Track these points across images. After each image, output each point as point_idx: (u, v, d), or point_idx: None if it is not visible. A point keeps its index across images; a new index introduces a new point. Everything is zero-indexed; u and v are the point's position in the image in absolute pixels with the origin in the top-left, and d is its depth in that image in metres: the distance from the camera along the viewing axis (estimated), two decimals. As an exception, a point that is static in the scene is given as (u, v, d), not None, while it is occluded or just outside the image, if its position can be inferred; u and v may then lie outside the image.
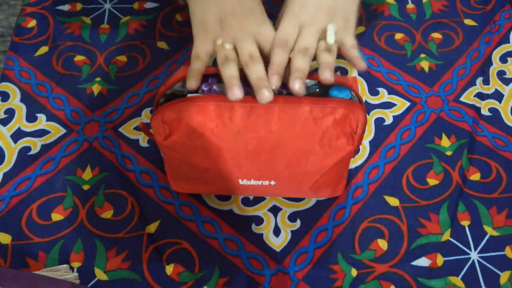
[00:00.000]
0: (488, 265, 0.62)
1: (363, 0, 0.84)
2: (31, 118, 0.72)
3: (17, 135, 0.71)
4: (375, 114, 0.73)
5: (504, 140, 0.71)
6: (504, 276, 0.61)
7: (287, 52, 0.53)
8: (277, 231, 0.64)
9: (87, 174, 0.68)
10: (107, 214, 0.65)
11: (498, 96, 0.75)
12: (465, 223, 0.65)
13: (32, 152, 0.69)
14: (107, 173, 0.68)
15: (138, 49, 0.79)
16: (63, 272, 0.60)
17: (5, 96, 0.74)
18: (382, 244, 0.63)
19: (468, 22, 0.82)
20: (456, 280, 0.61)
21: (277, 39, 0.53)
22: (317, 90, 0.58)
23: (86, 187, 0.67)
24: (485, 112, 0.73)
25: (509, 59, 0.78)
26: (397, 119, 0.73)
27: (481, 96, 0.75)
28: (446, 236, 0.64)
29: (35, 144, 0.70)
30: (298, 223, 0.65)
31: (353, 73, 0.77)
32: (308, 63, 0.53)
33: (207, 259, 0.62)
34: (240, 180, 0.58)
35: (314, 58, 0.55)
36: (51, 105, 0.73)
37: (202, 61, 0.54)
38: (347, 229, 0.64)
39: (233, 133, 0.54)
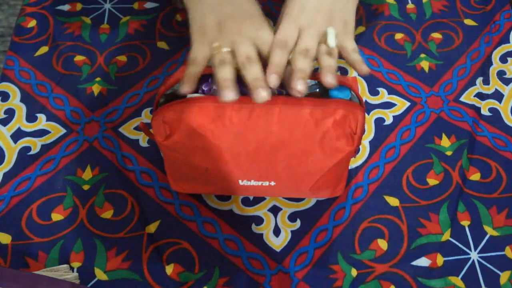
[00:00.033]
0: (488, 265, 0.62)
1: (363, 0, 0.84)
2: (31, 118, 0.72)
3: (17, 135, 0.71)
4: (375, 114, 0.73)
5: (504, 140, 0.71)
6: (504, 276, 0.61)
7: (286, 52, 0.53)
8: (277, 231, 0.64)
9: (87, 174, 0.68)
10: (107, 214, 0.65)
11: (498, 96, 0.75)
12: (465, 223, 0.65)
13: (32, 152, 0.69)
14: (107, 173, 0.68)
15: (138, 49, 0.79)
16: (63, 272, 0.60)
17: (5, 96, 0.74)
18: (382, 244, 0.63)
19: (468, 22, 0.82)
20: (456, 280, 0.61)
21: (276, 40, 0.53)
22: (317, 90, 0.58)
23: (86, 187, 0.67)
24: (485, 112, 0.73)
25: (509, 59, 0.78)
26: (397, 119, 0.73)
27: (481, 96, 0.75)
28: (446, 236, 0.64)
29: (35, 144, 0.70)
30: (298, 223, 0.65)
31: (353, 73, 0.77)
32: (309, 64, 0.53)
33: (207, 259, 0.62)
34: (240, 181, 0.58)
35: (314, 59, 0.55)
36: (51, 105, 0.73)
37: (198, 66, 0.54)
38: (347, 229, 0.64)
39: (233, 133, 0.54)
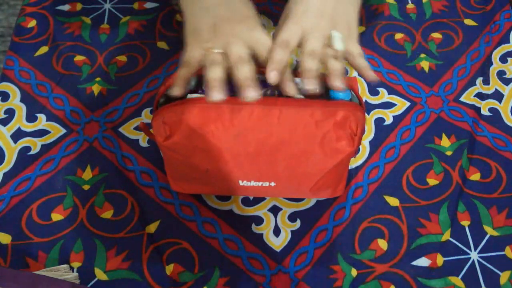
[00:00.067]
0: (488, 265, 0.62)
1: (363, 1, 0.84)
2: (31, 118, 0.72)
3: (17, 135, 0.71)
4: (375, 114, 0.73)
5: (504, 140, 0.71)
6: (504, 276, 0.61)
7: (287, 52, 0.53)
8: (277, 231, 0.64)
9: (87, 174, 0.68)
10: (107, 214, 0.65)
11: (498, 96, 0.75)
12: (465, 223, 0.65)
13: (32, 152, 0.69)
14: (107, 173, 0.68)
15: (138, 49, 0.79)
16: (63, 272, 0.60)
17: (5, 96, 0.74)
18: (382, 244, 0.63)
19: (468, 22, 0.82)
20: (456, 280, 0.61)
21: (278, 40, 0.53)
22: (317, 90, 0.58)
23: (86, 187, 0.67)
24: (485, 112, 0.73)
25: (509, 59, 0.78)
26: (397, 119, 0.73)
27: (481, 96, 0.75)
28: (446, 236, 0.64)
29: (35, 144, 0.70)
30: (298, 223, 0.65)
31: (353, 73, 0.77)
32: (317, 65, 0.52)
33: (207, 259, 0.62)
34: (240, 181, 0.58)
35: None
36: (51, 105, 0.73)
37: (190, 68, 0.54)
38: (347, 229, 0.64)
39: (234, 134, 0.54)
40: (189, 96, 0.55)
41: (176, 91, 0.54)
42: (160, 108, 0.55)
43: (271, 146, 0.55)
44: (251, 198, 0.67)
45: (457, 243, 0.63)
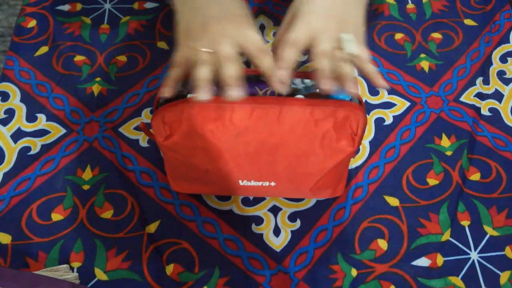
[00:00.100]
0: (488, 265, 0.62)
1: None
2: (31, 118, 0.72)
3: (17, 135, 0.71)
4: (375, 114, 0.73)
5: (504, 140, 0.71)
6: (504, 276, 0.61)
7: (297, 52, 0.52)
8: (277, 231, 0.64)
9: (87, 174, 0.68)
10: (107, 214, 0.65)
11: (498, 96, 0.75)
12: (465, 223, 0.65)
13: (32, 152, 0.69)
14: (107, 173, 0.68)
15: (138, 49, 0.79)
16: (63, 272, 0.60)
17: (5, 96, 0.74)
18: (382, 244, 0.63)
19: (468, 22, 0.82)
20: (456, 280, 0.61)
21: (288, 39, 0.52)
22: (317, 90, 0.58)
23: (86, 187, 0.67)
24: (485, 112, 0.73)
25: (509, 59, 0.78)
26: (397, 119, 0.73)
27: (481, 96, 0.75)
28: (446, 236, 0.64)
29: (35, 144, 0.70)
30: (298, 223, 0.65)
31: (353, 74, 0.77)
32: (330, 65, 0.52)
33: (207, 259, 0.62)
34: (240, 181, 0.58)
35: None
36: (51, 105, 0.73)
37: (181, 68, 0.53)
38: (347, 229, 0.64)
39: (234, 134, 0.54)
40: (189, 96, 0.55)
41: (166, 92, 0.54)
42: (160, 108, 0.55)
43: (271, 146, 0.55)
44: (251, 198, 0.67)
45: (457, 243, 0.63)
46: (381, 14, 0.83)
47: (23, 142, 0.70)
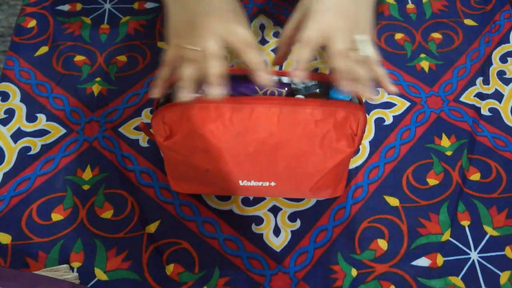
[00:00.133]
0: (488, 265, 0.62)
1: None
2: (31, 118, 0.72)
3: (17, 135, 0.71)
4: (375, 114, 0.73)
5: (504, 140, 0.71)
6: (504, 276, 0.61)
7: (310, 51, 0.52)
8: (277, 231, 0.64)
9: (87, 174, 0.68)
10: (107, 214, 0.65)
11: (498, 96, 0.75)
12: (465, 223, 0.65)
13: (32, 152, 0.69)
14: (107, 173, 0.68)
15: (138, 49, 0.79)
16: (63, 272, 0.60)
17: (5, 96, 0.74)
18: (382, 244, 0.63)
19: (468, 22, 0.82)
20: (456, 280, 0.61)
21: (301, 38, 0.52)
22: (317, 90, 0.58)
23: (86, 187, 0.67)
24: (485, 112, 0.73)
25: (509, 59, 0.78)
26: (397, 119, 0.73)
27: (481, 96, 0.75)
28: (446, 236, 0.64)
29: (35, 144, 0.70)
30: (298, 223, 0.65)
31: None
32: (350, 65, 0.51)
33: (207, 259, 0.62)
34: (240, 181, 0.58)
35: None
36: (51, 105, 0.73)
37: (170, 68, 0.53)
38: (347, 229, 0.64)
39: (234, 134, 0.54)
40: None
41: (156, 93, 0.53)
42: (160, 108, 0.55)
43: (271, 146, 0.55)
44: (251, 198, 0.67)
45: (457, 243, 0.63)
46: (381, 14, 0.83)
47: (23, 142, 0.70)
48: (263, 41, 0.79)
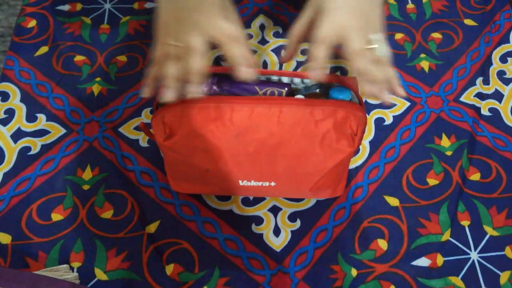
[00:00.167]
0: (488, 265, 0.62)
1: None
2: (31, 118, 0.72)
3: (17, 135, 0.71)
4: (375, 114, 0.73)
5: (504, 140, 0.71)
6: (504, 276, 0.61)
7: (326, 49, 0.51)
8: (277, 231, 0.64)
9: (87, 174, 0.68)
10: (107, 214, 0.65)
11: (498, 96, 0.75)
12: (465, 223, 0.65)
13: (32, 152, 0.69)
14: (107, 173, 0.68)
15: (138, 49, 0.79)
16: (63, 272, 0.60)
17: (5, 96, 0.74)
18: (382, 244, 0.63)
19: (468, 22, 0.82)
20: (456, 280, 0.61)
21: (316, 37, 0.51)
22: (317, 90, 0.58)
23: (86, 187, 0.67)
24: (485, 112, 0.73)
25: (509, 59, 0.78)
26: (397, 119, 0.73)
27: (481, 96, 0.75)
28: (446, 236, 0.64)
29: (35, 144, 0.70)
30: (298, 223, 0.65)
31: (353, 73, 0.77)
32: (369, 65, 0.51)
33: (207, 259, 0.62)
34: (240, 181, 0.58)
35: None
36: (51, 105, 0.73)
37: (156, 66, 0.52)
38: (347, 229, 0.64)
39: (234, 134, 0.54)
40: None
41: (146, 92, 0.52)
42: (160, 108, 0.55)
43: (271, 146, 0.54)
44: (251, 198, 0.67)
45: (457, 243, 0.63)
46: (381, 14, 0.83)
47: (23, 142, 0.70)
48: (263, 41, 0.79)
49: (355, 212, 0.65)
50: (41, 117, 0.72)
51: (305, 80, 0.58)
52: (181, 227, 0.64)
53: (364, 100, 0.74)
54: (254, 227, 0.65)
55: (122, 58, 0.78)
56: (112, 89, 0.75)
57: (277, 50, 0.78)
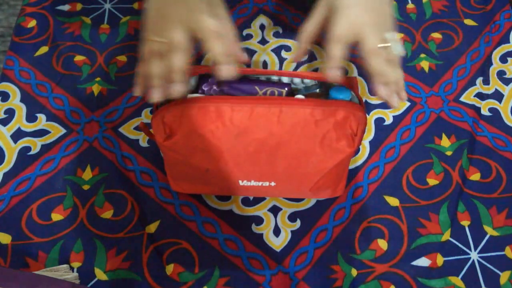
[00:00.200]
0: (488, 265, 0.62)
1: None
2: (31, 118, 0.72)
3: (17, 135, 0.71)
4: (375, 114, 0.73)
5: (504, 140, 0.71)
6: (504, 276, 0.61)
7: (343, 47, 0.51)
8: (277, 231, 0.64)
9: (87, 174, 0.68)
10: (107, 214, 0.65)
11: (498, 96, 0.75)
12: (465, 223, 0.65)
13: (32, 152, 0.69)
14: (107, 173, 0.68)
15: (138, 49, 0.79)
16: (63, 272, 0.60)
17: (5, 96, 0.74)
18: (382, 244, 0.63)
19: (468, 22, 0.82)
20: (456, 280, 0.61)
21: (332, 35, 0.51)
22: (317, 90, 0.58)
23: (86, 187, 0.67)
24: (485, 112, 0.73)
25: (509, 59, 0.78)
26: (397, 119, 0.73)
27: (481, 96, 0.75)
28: (446, 236, 0.64)
29: (35, 144, 0.70)
30: (298, 223, 0.65)
31: (353, 73, 0.77)
32: (386, 65, 0.50)
33: (207, 259, 0.62)
34: (240, 181, 0.58)
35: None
36: (51, 105, 0.73)
37: (145, 64, 0.52)
38: (347, 229, 0.64)
39: (234, 134, 0.54)
40: (189, 96, 0.55)
41: (136, 91, 0.52)
42: (160, 108, 0.55)
43: (271, 146, 0.54)
44: (251, 198, 0.67)
45: (457, 243, 0.63)
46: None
47: (23, 142, 0.70)
48: (263, 41, 0.79)
49: (355, 212, 0.65)
50: (41, 117, 0.72)
51: (305, 80, 0.58)
52: (181, 227, 0.64)
53: (364, 100, 0.74)
54: (254, 227, 0.65)
55: (122, 58, 0.78)
56: (112, 89, 0.75)
57: (277, 50, 0.78)
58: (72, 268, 0.62)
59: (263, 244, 0.63)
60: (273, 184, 0.59)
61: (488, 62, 0.78)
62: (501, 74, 0.77)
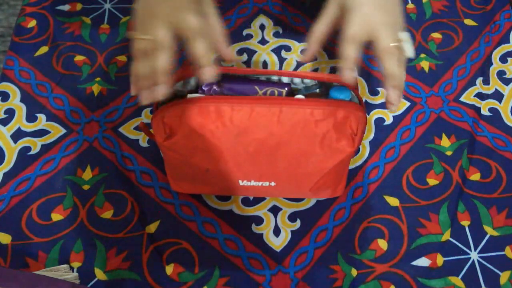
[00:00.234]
0: (488, 265, 0.62)
1: None
2: (31, 118, 0.72)
3: (17, 135, 0.71)
4: (375, 114, 0.73)
5: (504, 140, 0.71)
6: (504, 276, 0.61)
7: (357, 47, 0.50)
8: (277, 231, 0.64)
9: (87, 174, 0.68)
10: (107, 214, 0.65)
11: (498, 96, 0.75)
12: (465, 223, 0.65)
13: (32, 152, 0.69)
14: (107, 173, 0.68)
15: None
16: (63, 272, 0.60)
17: (5, 96, 0.74)
18: (382, 244, 0.63)
19: (468, 22, 0.82)
20: (456, 280, 0.61)
21: (346, 35, 0.51)
22: (317, 90, 0.58)
23: (86, 187, 0.67)
24: (485, 112, 0.73)
25: (509, 59, 0.78)
26: (397, 119, 0.73)
27: (481, 96, 0.75)
28: (446, 236, 0.64)
29: (35, 144, 0.70)
30: (298, 223, 0.65)
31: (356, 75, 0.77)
32: (399, 67, 0.50)
33: (207, 259, 0.62)
34: (240, 181, 0.58)
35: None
36: (51, 105, 0.73)
37: (134, 63, 0.50)
38: (347, 229, 0.64)
39: (234, 134, 0.54)
40: (189, 96, 0.55)
41: (133, 91, 0.51)
42: (160, 108, 0.55)
43: (271, 146, 0.55)
44: (251, 198, 0.67)
45: (457, 243, 0.63)
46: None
47: (23, 142, 0.70)
48: (263, 41, 0.79)
49: (355, 212, 0.65)
50: (41, 117, 0.72)
51: (305, 80, 0.58)
52: (181, 227, 0.64)
53: (364, 100, 0.74)
54: (254, 227, 0.65)
55: (122, 58, 0.78)
56: (112, 89, 0.75)
57: (277, 50, 0.78)
58: (72, 268, 0.62)
59: (263, 244, 0.63)
60: (273, 184, 0.59)
61: (488, 62, 0.78)
62: (501, 74, 0.77)
